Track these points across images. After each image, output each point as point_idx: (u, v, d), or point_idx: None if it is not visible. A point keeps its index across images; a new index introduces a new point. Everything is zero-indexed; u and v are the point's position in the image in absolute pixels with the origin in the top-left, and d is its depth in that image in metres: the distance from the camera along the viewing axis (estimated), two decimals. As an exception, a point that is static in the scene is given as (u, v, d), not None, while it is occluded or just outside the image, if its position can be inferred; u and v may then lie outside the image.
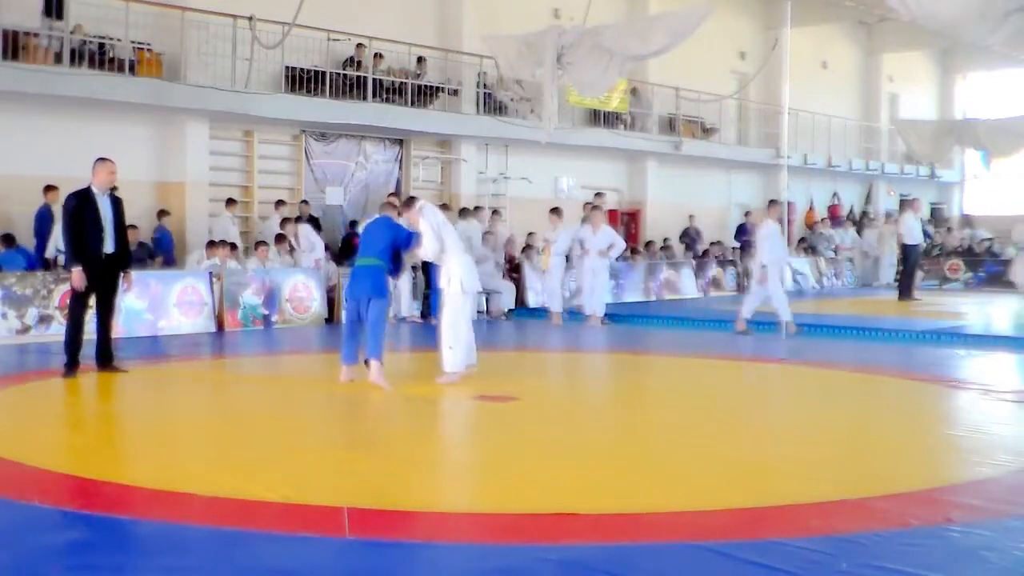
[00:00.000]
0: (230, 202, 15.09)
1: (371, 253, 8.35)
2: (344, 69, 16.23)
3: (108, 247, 8.48)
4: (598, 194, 14.29)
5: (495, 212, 16.90)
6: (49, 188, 12.73)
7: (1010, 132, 19.30)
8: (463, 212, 15.24)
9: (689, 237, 21.88)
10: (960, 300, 17.88)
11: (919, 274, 19.31)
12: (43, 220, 12.70)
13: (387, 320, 8.87)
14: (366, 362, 8.18)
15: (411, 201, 8.62)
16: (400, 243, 8.37)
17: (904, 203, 20.63)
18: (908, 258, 18.08)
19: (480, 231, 14.67)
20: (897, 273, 18.78)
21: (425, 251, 8.42)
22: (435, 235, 8.31)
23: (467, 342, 8.45)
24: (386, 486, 5.18)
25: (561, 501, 4.78)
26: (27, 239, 12.86)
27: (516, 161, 19.40)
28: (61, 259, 12.08)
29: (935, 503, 4.83)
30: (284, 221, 14.80)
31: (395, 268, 8.56)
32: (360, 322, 8.33)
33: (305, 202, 15.80)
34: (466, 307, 8.51)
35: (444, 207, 14.82)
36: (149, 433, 6.61)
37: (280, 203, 15.32)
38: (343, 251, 15.63)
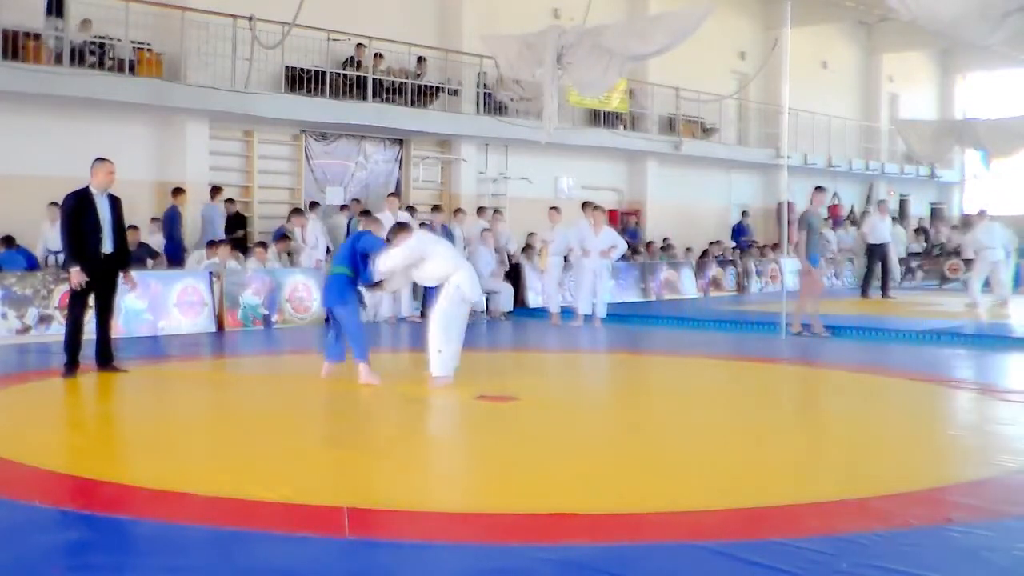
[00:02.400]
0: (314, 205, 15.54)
1: (336, 262, 8.55)
2: (344, 69, 16.23)
3: (107, 247, 8.47)
4: (597, 206, 14.40)
5: (496, 212, 16.92)
6: (177, 191, 14.00)
7: (1010, 132, 19.29)
8: (480, 211, 15.70)
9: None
10: (960, 300, 17.86)
11: (903, 272, 19.81)
12: (172, 221, 13.84)
13: (360, 320, 8.69)
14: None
15: (402, 228, 8.42)
16: (359, 249, 8.26)
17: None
18: (872, 257, 18.59)
19: (480, 230, 14.74)
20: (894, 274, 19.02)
21: (378, 269, 8.02)
22: (404, 258, 7.99)
23: (455, 349, 8.27)
24: (386, 486, 5.18)
25: (561, 501, 4.78)
26: (27, 239, 12.87)
27: (516, 161, 19.40)
28: (52, 259, 12.33)
29: (935, 503, 4.83)
30: (293, 212, 14.82)
31: (360, 273, 8.31)
32: (337, 324, 8.44)
33: (350, 203, 15.87)
34: (462, 314, 8.33)
35: (436, 208, 14.90)
36: (149, 433, 6.60)
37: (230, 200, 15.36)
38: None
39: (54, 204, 11.17)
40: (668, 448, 6.27)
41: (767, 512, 4.67)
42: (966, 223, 20.16)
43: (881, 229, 18.34)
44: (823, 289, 12.55)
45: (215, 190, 14.63)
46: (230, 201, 15.23)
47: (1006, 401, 8.03)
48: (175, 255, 13.62)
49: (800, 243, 12.47)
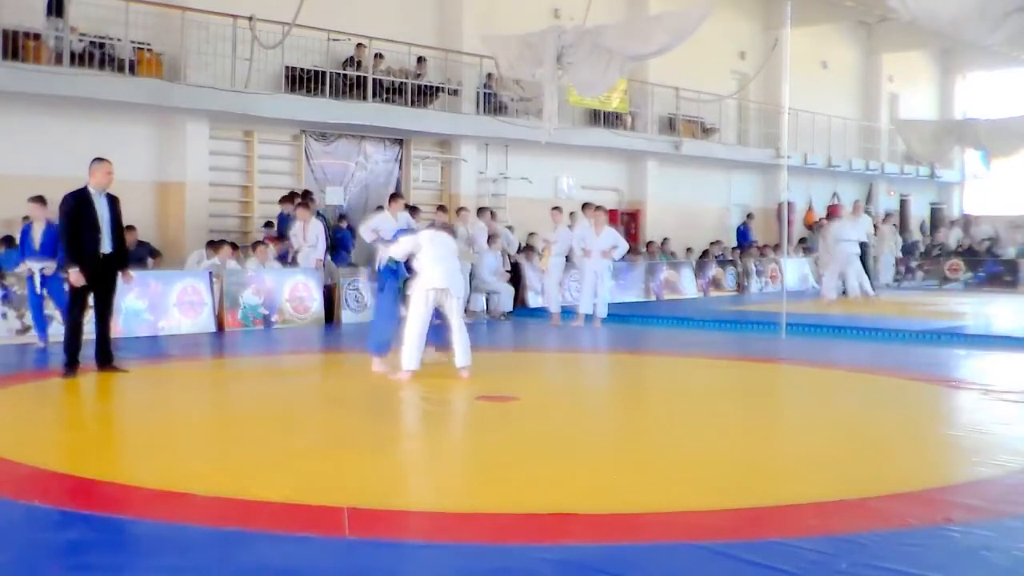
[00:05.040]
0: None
1: None
2: (344, 69, 16.22)
3: (106, 247, 8.47)
4: (598, 207, 14.41)
5: (489, 212, 16.90)
6: (284, 199, 14.86)
7: (1010, 132, 19.30)
8: (480, 211, 15.71)
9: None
10: (960, 300, 17.87)
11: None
12: (283, 223, 14.69)
13: (386, 314, 9.01)
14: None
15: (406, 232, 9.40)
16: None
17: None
18: (840, 256, 18.57)
19: (485, 231, 14.72)
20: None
21: (394, 251, 8.87)
22: (406, 245, 8.75)
23: (417, 343, 8.46)
24: (386, 486, 5.18)
25: (561, 501, 4.78)
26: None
27: (516, 161, 19.39)
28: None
29: (935, 503, 4.83)
30: (299, 206, 14.79)
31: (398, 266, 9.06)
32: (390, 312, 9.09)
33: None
34: (418, 306, 8.46)
35: (441, 208, 14.89)
36: (149, 433, 6.60)
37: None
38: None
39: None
40: (668, 448, 6.27)
41: (767, 512, 4.67)
42: (831, 215, 20.25)
43: (846, 229, 18.11)
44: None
45: (283, 200, 15.09)
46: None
47: (1006, 401, 8.03)
48: (285, 254, 14.25)
49: None
